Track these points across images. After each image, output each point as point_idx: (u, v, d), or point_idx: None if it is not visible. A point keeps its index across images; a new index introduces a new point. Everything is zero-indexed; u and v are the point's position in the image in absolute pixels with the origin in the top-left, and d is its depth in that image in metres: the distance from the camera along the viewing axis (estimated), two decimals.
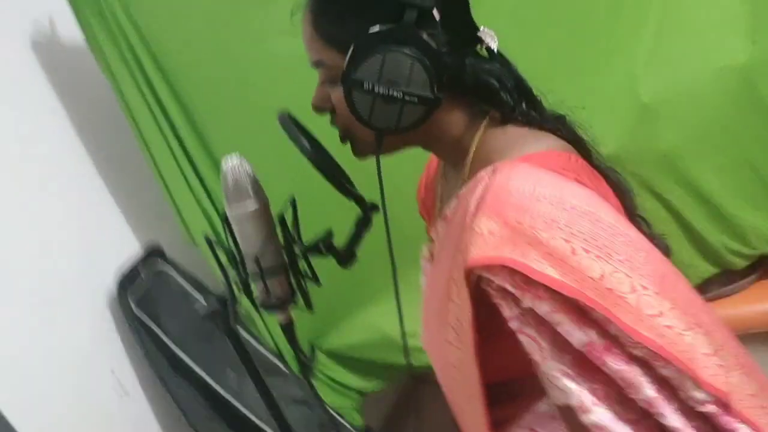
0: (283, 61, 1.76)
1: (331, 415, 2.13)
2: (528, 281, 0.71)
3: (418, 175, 1.12)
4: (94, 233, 2.08)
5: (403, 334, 0.88)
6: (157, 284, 2.12)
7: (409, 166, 1.05)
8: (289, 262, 0.96)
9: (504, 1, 1.67)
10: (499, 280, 0.73)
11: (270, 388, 2.15)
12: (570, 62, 1.73)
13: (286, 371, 2.08)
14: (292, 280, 0.97)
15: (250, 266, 0.95)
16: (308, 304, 0.98)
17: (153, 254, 2.15)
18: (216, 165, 1.99)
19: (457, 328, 0.81)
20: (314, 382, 2.19)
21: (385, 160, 0.89)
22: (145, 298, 2.08)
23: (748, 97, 1.67)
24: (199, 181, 2.01)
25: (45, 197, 1.93)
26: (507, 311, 0.74)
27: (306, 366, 1.04)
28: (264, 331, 2.02)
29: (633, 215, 0.92)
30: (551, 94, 0.92)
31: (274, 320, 0.98)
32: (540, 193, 0.75)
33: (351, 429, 2.19)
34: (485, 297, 0.76)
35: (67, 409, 1.81)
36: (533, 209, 0.73)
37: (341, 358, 2.17)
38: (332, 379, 2.17)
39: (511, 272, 0.72)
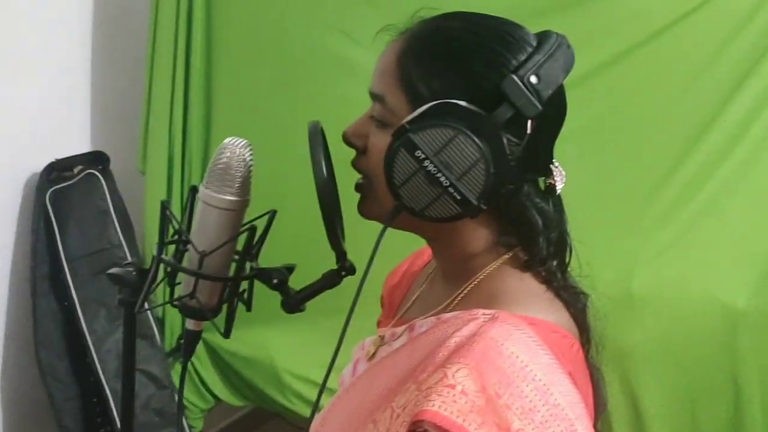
0: (339, 69, 1.70)
1: (179, 406, 1.97)
2: None
3: (401, 258, 1.00)
4: (56, 113, 1.92)
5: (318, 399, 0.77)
6: (82, 188, 1.93)
7: (402, 246, 0.93)
8: (233, 277, 0.83)
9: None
10: None
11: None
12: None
13: (159, 344, 1.92)
14: (225, 297, 0.84)
15: (192, 258, 0.82)
16: (228, 331, 0.85)
17: (96, 159, 1.97)
18: (207, 122, 1.91)
19: None
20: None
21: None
22: (63, 194, 1.88)
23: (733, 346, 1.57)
24: (183, 122, 1.90)
25: (36, 61, 1.85)
26: None
27: (187, 355, 0.90)
28: (160, 299, 1.87)
29: (595, 427, 0.83)
30: None
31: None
32: (531, 372, 0.67)
33: (186, 427, 2.03)
34: None
35: None
36: (517, 388, 0.66)
37: (217, 359, 2.02)
38: (198, 374, 2.02)
39: None
